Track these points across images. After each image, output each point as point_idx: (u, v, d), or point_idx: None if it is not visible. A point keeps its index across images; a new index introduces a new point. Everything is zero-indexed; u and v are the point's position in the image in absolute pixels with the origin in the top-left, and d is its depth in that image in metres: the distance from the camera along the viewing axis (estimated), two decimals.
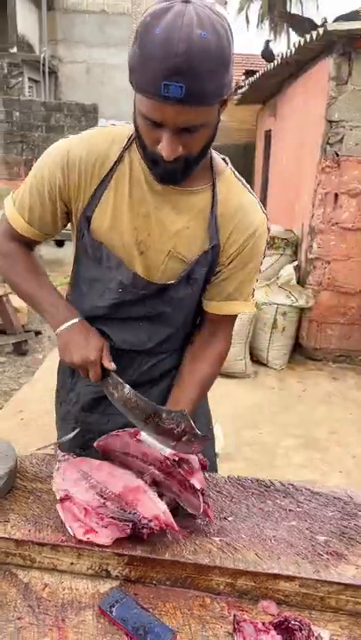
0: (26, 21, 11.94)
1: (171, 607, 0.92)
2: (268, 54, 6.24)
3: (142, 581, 0.97)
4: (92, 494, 1.06)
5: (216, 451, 2.54)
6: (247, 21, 23.69)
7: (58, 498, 1.04)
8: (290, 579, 0.93)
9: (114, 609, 0.89)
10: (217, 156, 1.19)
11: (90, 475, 1.11)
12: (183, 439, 1.04)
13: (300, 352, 4.39)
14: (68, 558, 0.98)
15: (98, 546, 0.96)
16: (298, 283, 4.29)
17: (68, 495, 1.05)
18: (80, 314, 1.25)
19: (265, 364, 4.19)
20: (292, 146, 5.41)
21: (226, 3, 18.39)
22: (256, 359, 4.22)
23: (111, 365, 1.18)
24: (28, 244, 1.30)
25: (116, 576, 0.97)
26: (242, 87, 7.82)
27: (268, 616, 0.91)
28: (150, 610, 0.90)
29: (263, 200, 8.81)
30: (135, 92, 0.96)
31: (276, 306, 4.06)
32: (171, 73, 0.87)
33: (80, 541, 0.97)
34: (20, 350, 4.65)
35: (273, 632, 0.84)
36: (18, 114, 10.69)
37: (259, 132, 9.97)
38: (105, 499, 1.05)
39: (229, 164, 1.21)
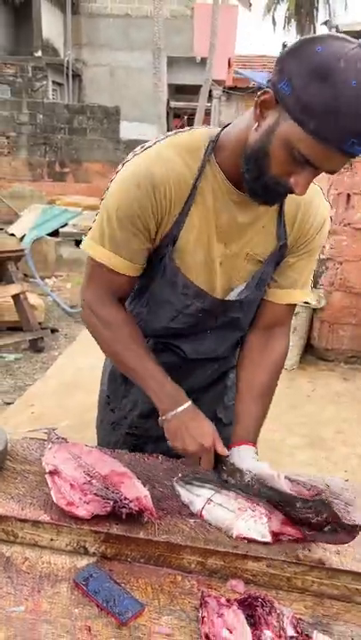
0: (51, 26, 12.14)
1: (143, 583, 0.96)
2: None
3: (118, 558, 1.01)
4: (80, 472, 1.11)
5: None
6: (274, 23, 23.65)
7: (47, 470, 1.11)
8: (258, 559, 0.96)
9: (88, 582, 0.94)
10: None
11: (80, 457, 1.17)
12: (325, 529, 0.97)
13: (311, 352, 4.39)
14: (47, 534, 1.03)
15: (76, 519, 1.01)
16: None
17: (57, 470, 1.11)
18: (148, 331, 1.26)
19: None
20: None
21: (250, 5, 18.41)
22: None
23: (225, 452, 1.15)
24: (122, 299, 1.23)
25: (93, 553, 1.02)
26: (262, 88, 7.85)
27: (235, 594, 0.94)
28: (123, 585, 0.94)
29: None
30: (292, 124, 0.90)
31: None
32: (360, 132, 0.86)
33: (60, 518, 1.02)
34: (35, 347, 4.74)
35: (235, 607, 0.87)
36: (41, 116, 10.88)
37: None
38: (91, 477, 1.10)
39: None
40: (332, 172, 0.97)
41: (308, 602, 0.94)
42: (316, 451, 3.04)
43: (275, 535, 1.00)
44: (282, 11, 22.65)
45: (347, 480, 1.20)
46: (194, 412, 1.17)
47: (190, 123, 9.91)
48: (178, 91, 14.36)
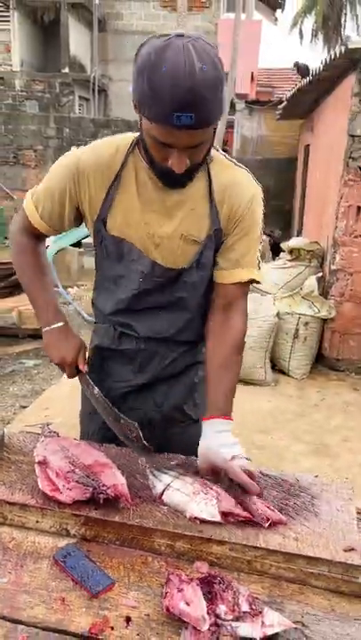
0: (78, 43, 12.47)
1: (116, 562, 1.05)
2: (303, 70, 6.34)
3: (96, 540, 1.10)
4: (65, 462, 1.21)
5: None
6: (301, 36, 23.72)
7: (36, 461, 1.21)
8: (221, 543, 1.05)
9: (66, 559, 1.03)
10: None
11: (68, 449, 1.27)
12: (135, 445, 1.29)
13: (322, 362, 4.43)
14: (33, 517, 1.13)
15: (59, 503, 1.11)
16: (321, 294, 4.35)
17: (46, 460, 1.21)
18: (107, 311, 1.43)
19: (286, 374, 4.26)
20: (323, 160, 5.48)
21: (276, 20, 18.57)
22: (278, 368, 4.30)
23: (84, 368, 1.37)
24: (39, 237, 1.45)
25: (74, 534, 1.11)
26: (282, 102, 7.94)
27: (199, 574, 1.03)
28: (97, 563, 1.04)
29: (301, 213, 8.85)
30: (144, 119, 1.09)
31: (298, 316, 4.13)
32: (181, 106, 1.01)
33: (45, 502, 1.13)
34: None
35: (194, 584, 0.95)
36: (68, 130, 11.17)
37: (300, 146, 10.03)
38: (75, 467, 1.20)
39: (217, 147, 1.34)
40: (190, 147, 1.10)
41: (266, 583, 1.02)
42: (321, 458, 3.08)
43: (224, 515, 1.09)
44: (309, 24, 22.71)
45: (316, 476, 1.28)
46: (65, 331, 1.39)
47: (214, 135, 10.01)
48: None
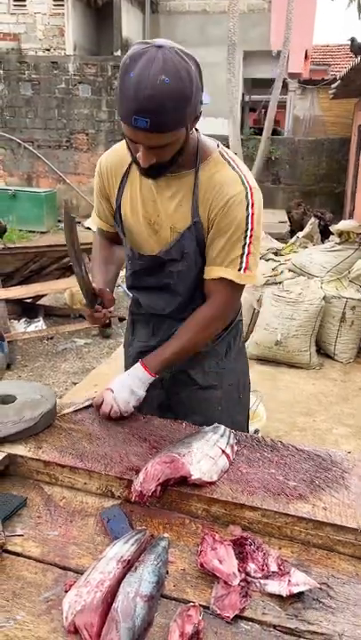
0: (130, 26, 12.48)
1: (156, 522, 1.14)
2: (356, 48, 6.17)
3: (138, 502, 1.20)
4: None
5: (257, 427, 2.72)
6: (359, 10, 22.80)
7: None
8: (254, 509, 1.12)
9: (109, 520, 1.13)
10: (207, 142, 1.40)
11: None
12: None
13: None
14: (82, 479, 1.23)
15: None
16: None
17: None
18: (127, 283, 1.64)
19: (331, 357, 4.25)
20: None
21: None
22: (323, 352, 4.29)
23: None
24: (109, 238, 1.65)
25: (118, 496, 1.21)
26: (336, 81, 7.75)
27: (233, 537, 1.10)
28: (139, 523, 1.13)
29: (353, 195, 8.65)
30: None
31: (345, 300, 4.10)
32: (138, 110, 1.12)
33: (92, 466, 1.23)
34: (104, 333, 5.04)
35: (226, 543, 1.03)
36: None
37: (354, 126, 9.77)
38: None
39: (220, 146, 1.43)
40: (150, 148, 1.21)
41: (295, 548, 1.08)
42: None
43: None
44: None
45: (349, 452, 1.32)
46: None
47: (265, 116, 9.90)
48: (254, 84, 14.32)
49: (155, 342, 1.60)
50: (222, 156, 1.40)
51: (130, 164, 1.44)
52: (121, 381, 1.46)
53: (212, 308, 1.47)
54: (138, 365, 1.47)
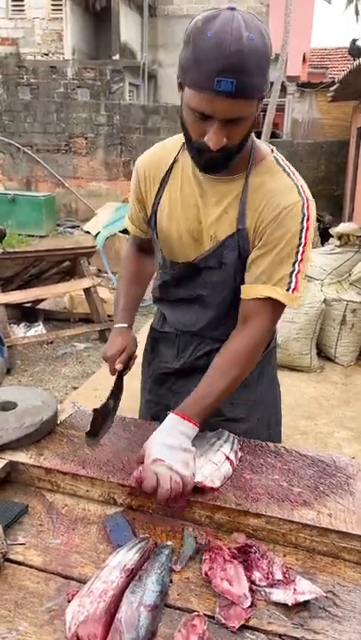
0: (129, 30, 12.52)
1: (159, 531, 1.13)
2: (355, 51, 6.18)
3: (141, 510, 1.18)
4: None
5: None
6: (356, 13, 22.78)
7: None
8: (258, 516, 1.11)
9: (112, 528, 1.12)
10: (261, 146, 1.29)
11: None
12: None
13: None
14: (84, 486, 1.22)
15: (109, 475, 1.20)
16: None
17: None
18: (154, 295, 1.55)
19: (332, 360, 4.24)
20: None
21: None
22: (324, 355, 4.29)
23: (118, 366, 1.40)
24: (144, 248, 1.57)
25: (121, 504, 1.20)
26: (334, 84, 7.76)
27: (237, 544, 1.09)
28: (142, 531, 1.12)
29: (352, 198, 8.66)
30: (185, 90, 1.09)
31: (345, 302, 4.09)
32: (223, 70, 1.00)
33: (95, 473, 1.21)
34: (104, 337, 5.03)
35: (236, 563, 1.00)
36: (118, 117, 11.29)
37: (353, 129, 9.78)
38: None
39: (275, 151, 1.30)
40: (231, 120, 1.08)
41: (300, 555, 1.07)
42: None
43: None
44: None
45: (353, 457, 1.31)
46: (120, 332, 1.47)
47: (264, 119, 9.92)
48: None
49: (179, 364, 1.52)
50: (277, 161, 1.27)
51: (170, 167, 1.34)
52: (161, 444, 1.13)
53: (257, 333, 1.26)
54: (174, 418, 1.17)
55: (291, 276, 1.23)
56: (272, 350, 1.55)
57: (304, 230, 1.22)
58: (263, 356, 1.45)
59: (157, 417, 1.51)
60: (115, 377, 1.43)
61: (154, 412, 1.58)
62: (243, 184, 1.25)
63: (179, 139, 1.36)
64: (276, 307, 1.26)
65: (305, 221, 1.22)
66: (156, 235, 1.41)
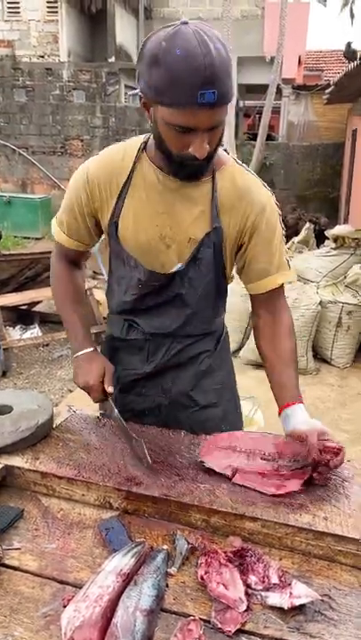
0: (124, 32, 12.53)
1: (155, 534, 1.12)
2: (350, 54, 6.21)
3: (137, 514, 1.18)
4: (257, 460, 1.26)
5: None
6: (351, 16, 22.82)
7: (229, 474, 1.22)
8: (254, 519, 1.11)
9: (108, 532, 1.11)
10: (219, 149, 1.33)
11: (235, 446, 1.30)
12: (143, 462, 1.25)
13: None
14: (79, 490, 1.22)
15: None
16: None
17: (237, 467, 1.23)
18: (114, 308, 1.50)
19: (328, 362, 4.25)
20: None
21: (325, 0, 18.08)
22: (320, 357, 4.29)
23: (109, 389, 1.38)
24: (75, 262, 1.52)
25: (117, 508, 1.20)
26: (330, 86, 7.79)
27: (233, 548, 1.09)
28: (138, 535, 1.12)
29: (347, 200, 8.68)
30: (160, 108, 1.11)
31: (341, 305, 4.10)
32: (204, 83, 1.03)
33: (90, 477, 1.21)
34: (99, 339, 5.02)
35: (231, 567, 1.00)
36: (114, 119, 11.30)
37: (348, 131, 9.81)
38: (269, 459, 1.25)
39: (231, 153, 1.40)
40: (213, 128, 1.13)
41: (296, 559, 1.07)
42: (359, 447, 3.09)
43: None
44: (360, 4, 21.89)
45: (349, 460, 1.31)
46: (91, 356, 1.43)
47: (259, 122, 9.96)
48: (248, 90, 14.37)
49: (150, 368, 1.50)
50: (236, 162, 1.37)
51: (130, 174, 1.32)
52: (306, 423, 1.29)
53: (287, 310, 1.45)
54: (297, 407, 1.33)
55: (285, 255, 1.41)
56: (226, 336, 1.63)
57: (280, 217, 1.39)
58: (221, 343, 1.57)
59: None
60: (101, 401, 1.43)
61: (124, 419, 1.55)
62: (210, 186, 1.31)
63: (130, 146, 1.34)
64: (283, 286, 1.43)
65: (277, 210, 1.39)
66: (119, 247, 1.37)
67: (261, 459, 1.26)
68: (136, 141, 1.35)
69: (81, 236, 1.44)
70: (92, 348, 1.44)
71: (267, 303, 1.43)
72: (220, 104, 1.08)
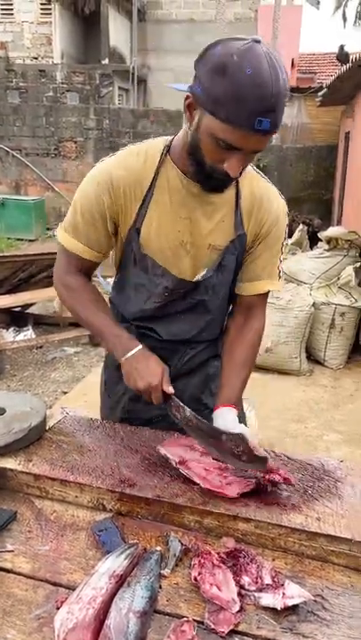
0: (118, 34, 12.54)
1: (148, 536, 1.12)
2: (342, 57, 6.24)
3: (130, 515, 1.18)
4: (205, 458, 1.26)
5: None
6: (344, 19, 22.90)
7: (176, 462, 1.23)
8: (247, 520, 1.11)
9: (101, 533, 1.11)
10: None
11: (193, 446, 1.30)
12: (243, 459, 1.18)
13: (359, 353, 4.41)
14: (73, 492, 1.22)
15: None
16: (359, 284, 4.32)
17: (184, 459, 1.24)
18: (127, 316, 1.46)
19: (321, 364, 4.27)
20: None
21: (318, 3, 18.16)
22: (313, 358, 4.31)
23: (170, 390, 1.28)
24: (87, 274, 1.42)
25: (110, 509, 1.19)
26: (323, 89, 7.82)
27: (226, 549, 1.09)
28: (131, 537, 1.12)
29: (341, 202, 8.72)
30: (210, 117, 1.08)
31: (334, 306, 4.12)
32: (265, 111, 1.03)
33: (83, 479, 1.21)
34: (94, 341, 5.02)
35: (224, 568, 1.00)
36: (107, 121, 11.30)
37: (341, 133, 9.85)
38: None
39: None
40: (255, 152, 1.14)
41: (289, 559, 1.07)
42: (354, 447, 3.10)
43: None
44: (353, 6, 22.00)
45: (341, 461, 1.32)
46: (144, 355, 1.32)
47: None
48: None
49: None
50: (254, 169, 1.37)
51: (153, 179, 1.28)
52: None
53: (262, 319, 1.47)
54: (224, 409, 1.33)
55: (278, 267, 1.42)
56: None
57: (287, 228, 1.41)
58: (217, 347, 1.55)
59: None
60: (165, 403, 1.33)
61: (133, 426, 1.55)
62: (234, 193, 1.31)
63: (151, 148, 1.30)
64: (268, 294, 1.45)
65: (287, 220, 1.41)
66: (140, 252, 1.33)
67: (213, 459, 1.26)
68: (157, 144, 1.31)
69: (100, 244, 1.36)
70: (141, 346, 1.33)
71: (246, 307, 1.45)
72: (272, 132, 1.08)
